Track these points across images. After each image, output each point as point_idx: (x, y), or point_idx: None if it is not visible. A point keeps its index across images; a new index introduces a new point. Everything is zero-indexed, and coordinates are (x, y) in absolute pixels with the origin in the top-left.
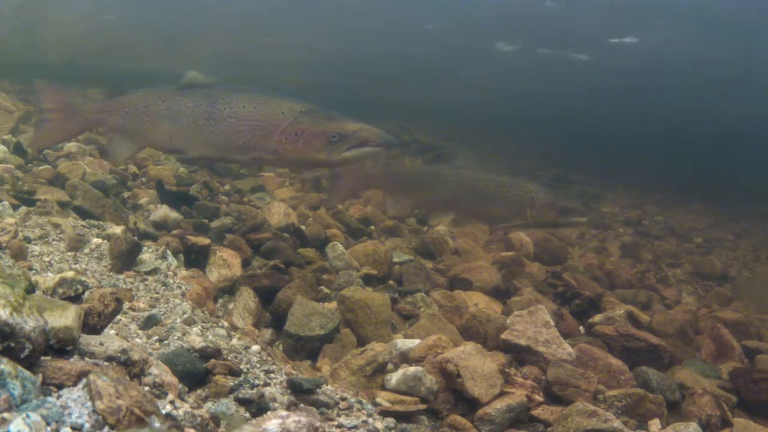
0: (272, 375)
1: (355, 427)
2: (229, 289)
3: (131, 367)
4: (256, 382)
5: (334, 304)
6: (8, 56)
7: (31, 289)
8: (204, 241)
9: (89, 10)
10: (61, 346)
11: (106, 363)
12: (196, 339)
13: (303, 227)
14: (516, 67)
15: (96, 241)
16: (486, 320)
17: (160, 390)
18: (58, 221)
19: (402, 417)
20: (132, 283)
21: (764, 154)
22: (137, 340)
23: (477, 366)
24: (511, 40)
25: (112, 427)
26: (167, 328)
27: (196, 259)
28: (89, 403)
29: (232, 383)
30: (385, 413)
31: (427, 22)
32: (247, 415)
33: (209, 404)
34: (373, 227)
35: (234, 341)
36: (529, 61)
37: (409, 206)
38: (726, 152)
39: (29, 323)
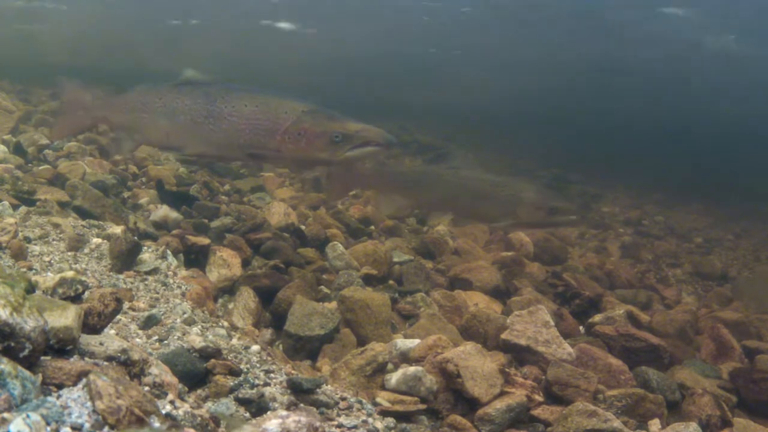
0: (272, 375)
1: (355, 427)
2: (229, 289)
3: (131, 367)
4: (256, 382)
5: (334, 304)
6: (13, 59)
7: (31, 289)
8: (204, 241)
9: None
10: (61, 345)
11: (106, 363)
12: (196, 339)
13: (303, 227)
14: None
15: (96, 241)
16: (486, 320)
17: (160, 390)
18: (58, 221)
19: (402, 417)
20: (132, 283)
21: (764, 154)
22: (137, 340)
23: (477, 366)
24: None
25: (112, 427)
26: (167, 328)
27: (196, 259)
28: (89, 403)
29: (232, 383)
30: (385, 413)
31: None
32: (247, 415)
33: (209, 404)
34: (373, 227)
35: (234, 341)
36: None
37: (402, 205)
38: (726, 152)
39: (29, 323)
